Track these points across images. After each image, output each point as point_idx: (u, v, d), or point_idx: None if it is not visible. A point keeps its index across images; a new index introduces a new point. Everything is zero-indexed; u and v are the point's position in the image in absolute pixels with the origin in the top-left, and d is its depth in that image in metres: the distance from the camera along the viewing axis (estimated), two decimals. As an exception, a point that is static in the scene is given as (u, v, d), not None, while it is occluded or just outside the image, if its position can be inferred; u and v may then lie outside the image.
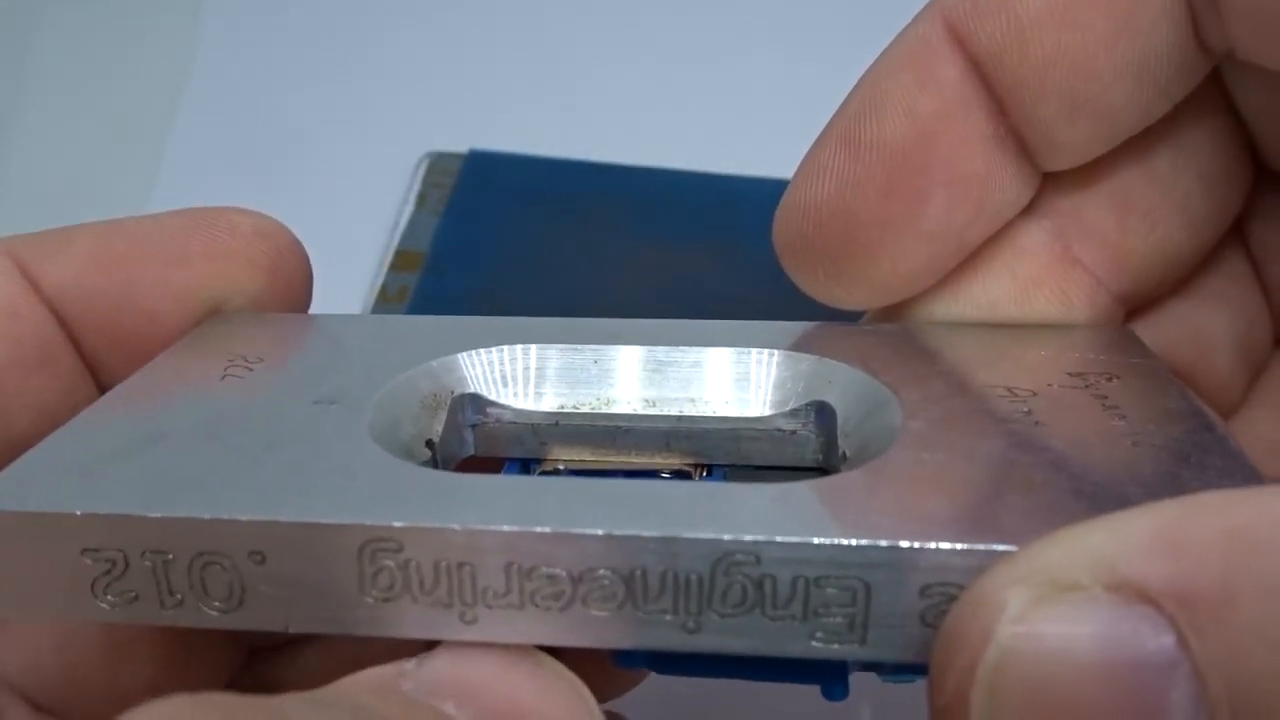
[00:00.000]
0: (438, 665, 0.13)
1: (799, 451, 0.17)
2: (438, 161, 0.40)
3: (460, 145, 0.40)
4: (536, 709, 0.13)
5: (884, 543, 0.12)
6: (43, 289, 0.18)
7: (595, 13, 0.46)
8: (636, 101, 0.43)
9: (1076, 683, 0.11)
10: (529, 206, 0.39)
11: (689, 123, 0.41)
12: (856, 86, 0.18)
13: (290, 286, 0.20)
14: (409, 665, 0.13)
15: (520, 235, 0.38)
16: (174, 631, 0.19)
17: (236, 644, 0.20)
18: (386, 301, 0.35)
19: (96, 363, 0.19)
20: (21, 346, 0.18)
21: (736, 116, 0.42)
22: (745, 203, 0.38)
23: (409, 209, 0.39)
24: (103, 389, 0.18)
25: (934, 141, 0.17)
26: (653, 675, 0.19)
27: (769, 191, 0.38)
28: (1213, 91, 0.18)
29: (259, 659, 0.21)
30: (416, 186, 0.39)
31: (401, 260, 0.37)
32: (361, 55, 0.45)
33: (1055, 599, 0.11)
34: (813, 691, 0.15)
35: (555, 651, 0.14)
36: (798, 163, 0.18)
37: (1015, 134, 0.17)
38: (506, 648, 0.13)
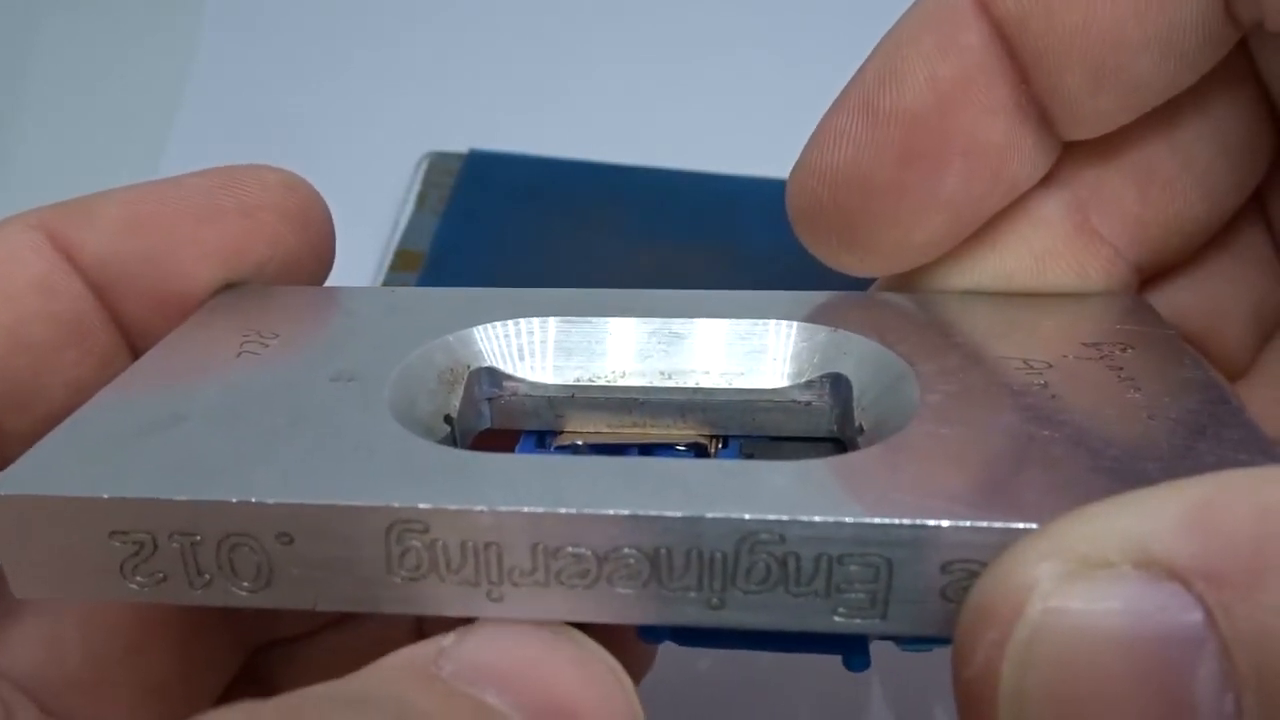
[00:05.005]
0: (475, 647, 0.13)
1: (814, 423, 0.17)
2: (438, 161, 0.40)
3: (460, 145, 0.40)
4: (577, 695, 0.13)
5: (907, 521, 0.12)
6: (78, 260, 0.17)
7: (595, 13, 0.46)
8: (636, 101, 0.43)
9: (1106, 657, 0.11)
10: (529, 206, 0.39)
11: (689, 123, 0.41)
12: (876, 49, 0.17)
13: (320, 239, 0.19)
14: (446, 642, 0.13)
15: (520, 235, 0.38)
16: (178, 635, 0.19)
17: (239, 644, 0.20)
18: (386, 301, 0.35)
19: (134, 329, 0.18)
20: (57, 323, 0.17)
21: (737, 116, 0.42)
22: (745, 203, 0.38)
23: (409, 209, 0.39)
24: (139, 357, 0.18)
25: (954, 110, 0.17)
26: (662, 663, 0.19)
27: (769, 191, 0.38)
28: (1238, 62, 0.17)
29: (260, 657, 0.21)
30: (416, 186, 0.39)
31: (401, 260, 0.37)
32: (361, 55, 0.45)
33: (1085, 575, 0.11)
34: (821, 672, 0.14)
35: (582, 627, 0.14)
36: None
37: (1037, 103, 0.17)
38: (543, 626, 0.13)
